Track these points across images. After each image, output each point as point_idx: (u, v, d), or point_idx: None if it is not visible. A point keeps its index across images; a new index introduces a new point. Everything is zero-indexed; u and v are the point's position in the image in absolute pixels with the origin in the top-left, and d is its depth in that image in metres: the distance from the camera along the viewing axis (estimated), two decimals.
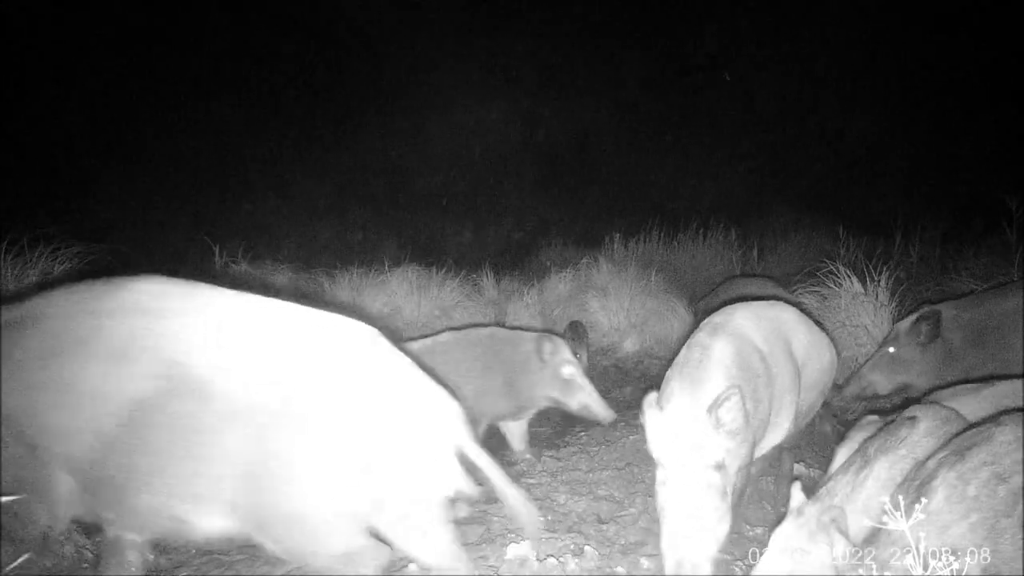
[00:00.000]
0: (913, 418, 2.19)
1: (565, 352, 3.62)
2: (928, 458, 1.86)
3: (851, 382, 3.56)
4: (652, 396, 2.14)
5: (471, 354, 3.69)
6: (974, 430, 1.85)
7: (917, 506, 1.78)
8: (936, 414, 2.19)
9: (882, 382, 3.50)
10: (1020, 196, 6.68)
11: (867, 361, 3.67)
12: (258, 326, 1.97)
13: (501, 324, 4.89)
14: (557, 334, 3.97)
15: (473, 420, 3.68)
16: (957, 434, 1.90)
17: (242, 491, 1.83)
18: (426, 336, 3.93)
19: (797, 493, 2.16)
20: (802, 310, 3.12)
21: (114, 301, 1.95)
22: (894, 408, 2.98)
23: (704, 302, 5.91)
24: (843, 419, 4.18)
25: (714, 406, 1.95)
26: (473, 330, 3.93)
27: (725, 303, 2.89)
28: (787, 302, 3.34)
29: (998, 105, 12.88)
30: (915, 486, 1.78)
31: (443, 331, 3.96)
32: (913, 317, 3.48)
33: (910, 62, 14.50)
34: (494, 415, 3.75)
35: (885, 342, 3.60)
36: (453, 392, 3.25)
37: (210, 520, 1.91)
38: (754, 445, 2.27)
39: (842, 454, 2.51)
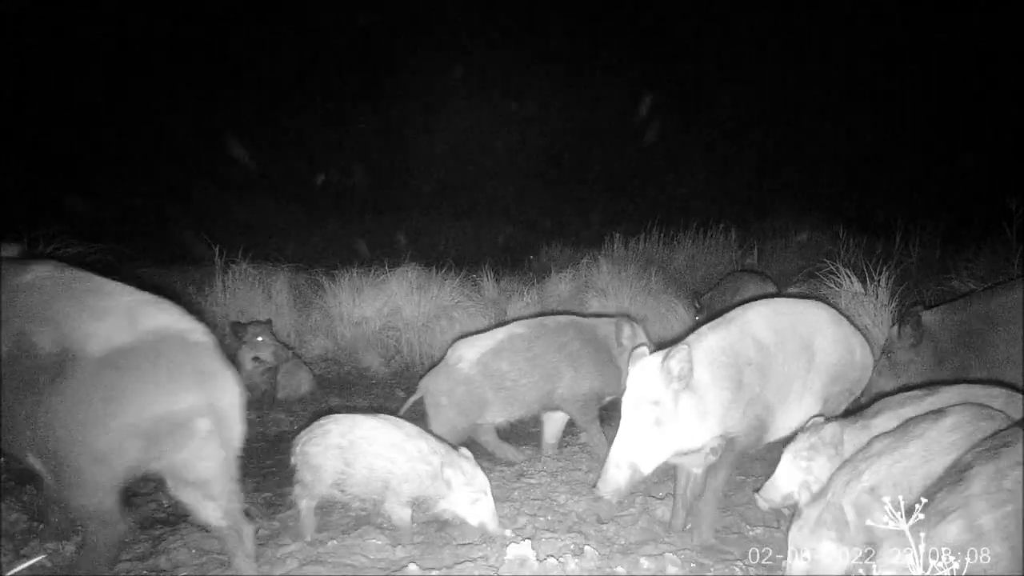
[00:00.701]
0: (941, 412, 2.24)
1: (643, 337, 3.63)
2: (965, 454, 1.93)
3: (865, 394, 3.55)
4: (642, 349, 2.64)
5: (558, 342, 3.69)
6: (1007, 431, 1.93)
7: (917, 506, 1.80)
8: (970, 411, 2.22)
9: (891, 388, 3.51)
10: (1020, 196, 6.68)
11: (873, 372, 3.64)
12: (75, 297, 2.37)
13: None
14: (634, 319, 3.97)
15: (573, 404, 3.69)
16: (994, 433, 1.98)
17: (29, 431, 2.23)
18: (495, 328, 3.91)
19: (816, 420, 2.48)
20: (839, 310, 3.21)
21: (16, 278, 2.42)
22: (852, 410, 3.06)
23: (709, 296, 5.95)
24: None
25: (667, 358, 2.43)
26: (549, 319, 3.94)
27: (753, 299, 3.07)
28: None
29: (998, 106, 12.88)
30: (952, 475, 1.85)
31: (510, 322, 3.97)
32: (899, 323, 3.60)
33: (910, 63, 14.50)
34: (589, 399, 3.74)
35: (883, 350, 3.68)
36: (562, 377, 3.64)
37: (30, 459, 2.32)
38: (758, 407, 2.65)
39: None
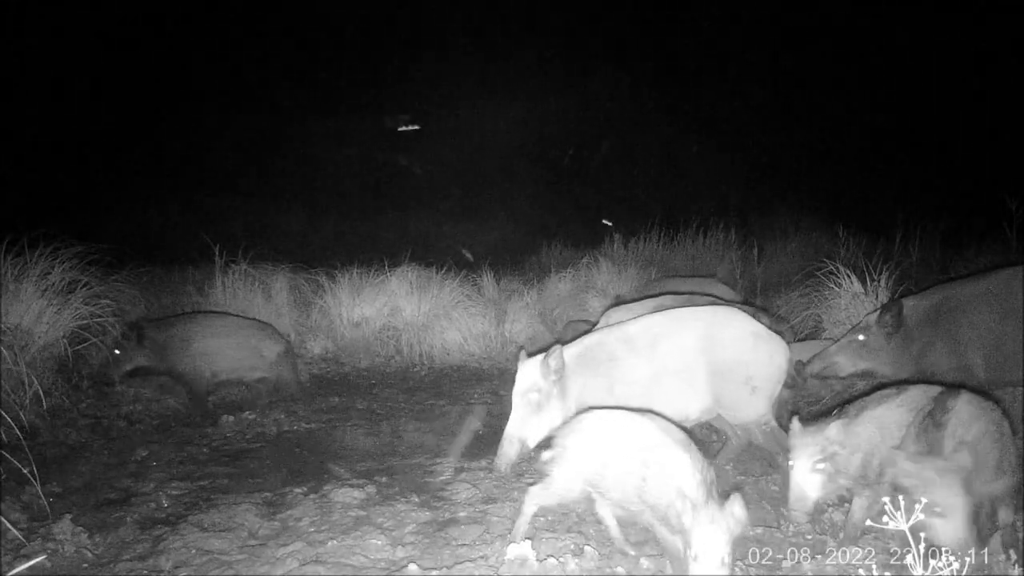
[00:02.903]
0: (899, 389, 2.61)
1: (787, 332, 4.02)
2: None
3: (815, 361, 3.87)
4: (523, 352, 3.27)
5: None
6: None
7: (917, 506, 1.82)
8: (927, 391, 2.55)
9: (845, 365, 3.84)
10: (1020, 196, 6.68)
11: (834, 344, 3.92)
12: None
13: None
14: (783, 318, 4.27)
15: None
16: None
17: None
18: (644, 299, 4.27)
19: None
20: (751, 315, 3.52)
21: None
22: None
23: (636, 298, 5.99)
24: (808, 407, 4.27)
25: (546, 356, 3.08)
26: (699, 298, 4.28)
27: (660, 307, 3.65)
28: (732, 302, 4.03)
29: (998, 106, 12.88)
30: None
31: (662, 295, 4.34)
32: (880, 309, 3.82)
33: (910, 63, 14.49)
34: None
35: (855, 330, 3.89)
36: None
37: None
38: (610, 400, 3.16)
39: None
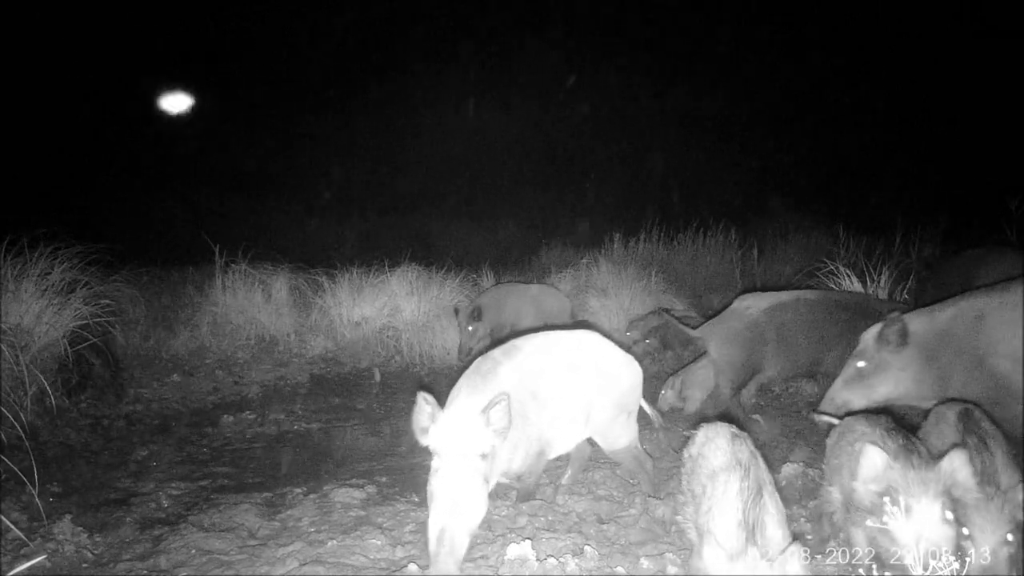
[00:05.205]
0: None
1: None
2: None
3: (824, 404, 3.20)
4: (425, 394, 2.41)
5: (841, 317, 3.89)
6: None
7: (917, 506, 1.84)
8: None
9: (856, 399, 3.16)
10: (1020, 196, 6.68)
11: (837, 379, 3.27)
12: None
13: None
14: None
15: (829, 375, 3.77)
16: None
17: None
18: (780, 292, 4.14)
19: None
20: (604, 336, 3.29)
21: None
22: None
23: (490, 303, 5.95)
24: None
25: (487, 408, 2.37)
26: (837, 293, 4.23)
27: (532, 329, 3.28)
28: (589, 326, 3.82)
29: (998, 105, 12.88)
30: None
31: (792, 290, 4.25)
32: (879, 326, 3.12)
33: (909, 62, 14.50)
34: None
35: (853, 357, 3.22)
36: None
37: None
38: (537, 443, 2.79)
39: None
